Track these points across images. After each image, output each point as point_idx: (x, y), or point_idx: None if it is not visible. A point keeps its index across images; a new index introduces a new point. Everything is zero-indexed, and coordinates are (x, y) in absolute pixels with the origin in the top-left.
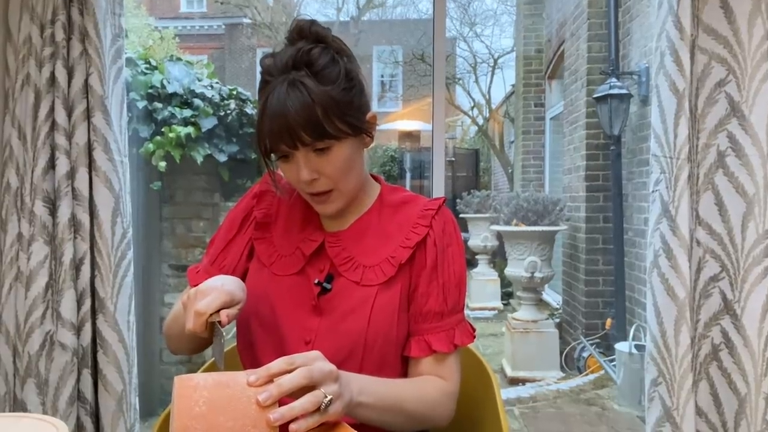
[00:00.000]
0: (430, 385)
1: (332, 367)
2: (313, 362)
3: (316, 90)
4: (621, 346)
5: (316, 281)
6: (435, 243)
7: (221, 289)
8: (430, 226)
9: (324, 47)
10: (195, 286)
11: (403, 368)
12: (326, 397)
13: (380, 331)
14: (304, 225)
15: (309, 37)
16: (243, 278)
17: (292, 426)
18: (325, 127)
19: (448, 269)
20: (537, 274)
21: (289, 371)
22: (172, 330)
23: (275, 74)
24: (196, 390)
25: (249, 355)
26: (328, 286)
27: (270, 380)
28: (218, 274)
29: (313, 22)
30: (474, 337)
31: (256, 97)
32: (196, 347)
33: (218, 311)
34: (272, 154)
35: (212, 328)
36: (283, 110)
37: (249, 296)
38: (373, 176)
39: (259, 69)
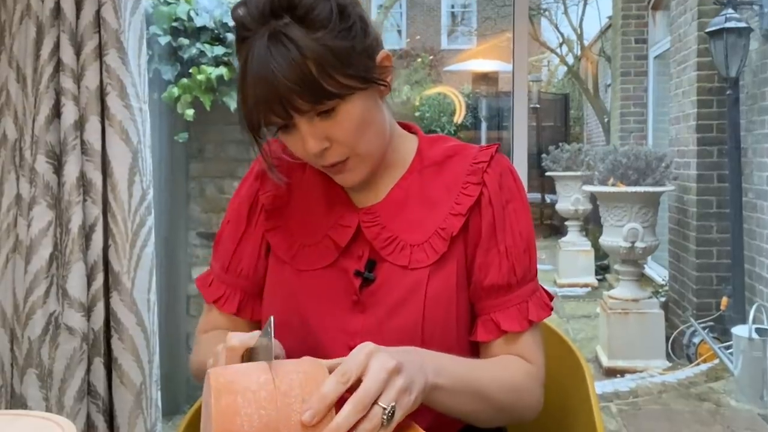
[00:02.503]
0: (514, 366)
1: (390, 360)
2: (367, 362)
3: (305, 41)
4: (739, 330)
5: (356, 271)
6: (491, 201)
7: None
8: (482, 182)
9: None
10: (213, 303)
11: (473, 356)
12: (385, 410)
13: (438, 320)
14: (330, 203)
15: None
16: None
17: None
18: (323, 87)
19: (512, 231)
20: (638, 244)
21: (347, 387)
22: (201, 374)
23: (252, 27)
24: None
25: None
26: (372, 275)
27: (328, 411)
28: (236, 280)
29: None
30: (551, 308)
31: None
32: None
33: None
34: (265, 128)
35: (249, 355)
36: (268, 73)
37: (272, 300)
38: (405, 126)
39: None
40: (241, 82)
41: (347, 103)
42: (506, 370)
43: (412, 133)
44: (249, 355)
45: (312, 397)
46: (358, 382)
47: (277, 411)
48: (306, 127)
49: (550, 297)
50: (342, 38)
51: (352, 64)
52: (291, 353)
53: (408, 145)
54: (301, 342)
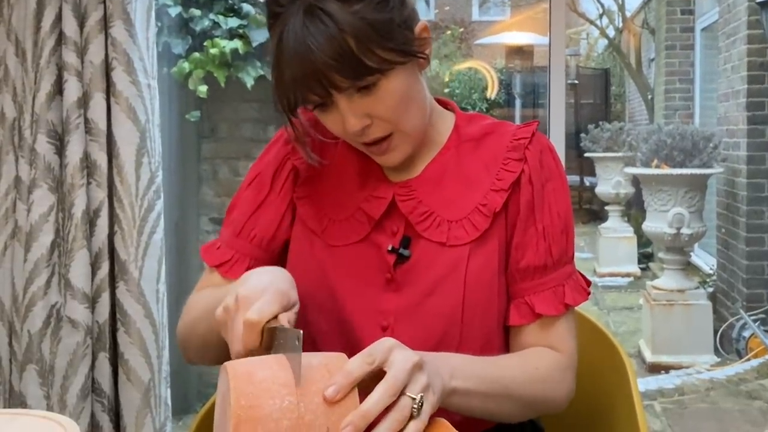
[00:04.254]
0: (540, 360)
1: (414, 355)
2: (390, 353)
3: (343, 15)
4: None
5: (390, 248)
6: (530, 180)
7: (272, 287)
8: (524, 159)
9: None
10: (217, 267)
11: (507, 343)
12: (414, 399)
13: (479, 302)
14: (363, 177)
15: None
16: (282, 252)
17: None
18: (363, 62)
19: (550, 211)
20: (684, 230)
21: (372, 370)
22: (191, 338)
23: (285, 1)
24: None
25: (310, 351)
26: (407, 252)
27: (352, 388)
28: (247, 247)
29: None
30: (588, 293)
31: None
32: (226, 358)
33: (276, 317)
34: (301, 106)
35: (270, 338)
36: (305, 50)
37: (298, 275)
38: (442, 102)
39: None
40: (276, 59)
41: (388, 78)
42: (531, 365)
43: (449, 110)
44: (269, 338)
45: (338, 379)
46: (381, 374)
47: (295, 391)
48: (346, 104)
49: (588, 283)
50: (380, 11)
51: (392, 38)
52: (320, 334)
53: (445, 122)
54: (331, 322)
